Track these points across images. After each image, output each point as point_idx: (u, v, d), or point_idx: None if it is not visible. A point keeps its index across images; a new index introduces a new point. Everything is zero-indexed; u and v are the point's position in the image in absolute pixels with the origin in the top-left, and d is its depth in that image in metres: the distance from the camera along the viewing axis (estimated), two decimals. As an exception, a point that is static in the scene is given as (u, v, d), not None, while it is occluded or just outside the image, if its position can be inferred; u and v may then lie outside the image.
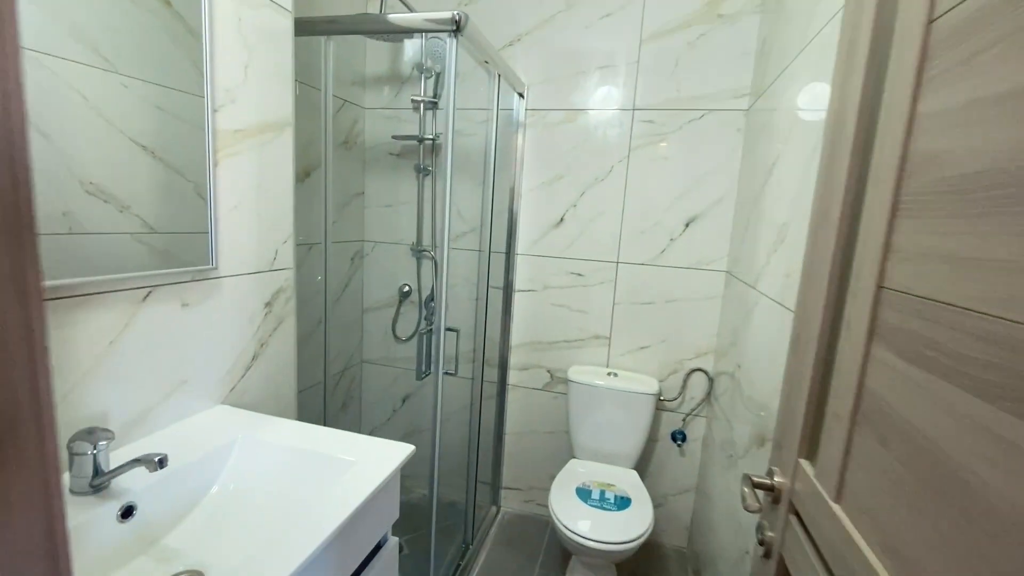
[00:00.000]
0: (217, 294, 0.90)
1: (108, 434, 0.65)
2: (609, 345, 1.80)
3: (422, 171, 1.85)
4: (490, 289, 1.85)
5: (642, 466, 1.83)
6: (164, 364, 0.82)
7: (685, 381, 1.74)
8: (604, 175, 1.72)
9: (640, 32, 1.64)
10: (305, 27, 1.22)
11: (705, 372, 1.71)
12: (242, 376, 0.98)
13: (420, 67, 1.80)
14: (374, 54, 1.89)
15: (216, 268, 0.89)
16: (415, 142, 1.85)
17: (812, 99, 0.99)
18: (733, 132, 1.60)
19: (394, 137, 1.85)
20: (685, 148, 1.64)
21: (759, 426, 1.10)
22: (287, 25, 1.00)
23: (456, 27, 1.13)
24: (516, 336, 1.89)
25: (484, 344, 1.85)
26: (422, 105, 1.79)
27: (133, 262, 0.75)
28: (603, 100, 1.69)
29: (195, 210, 0.84)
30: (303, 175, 1.63)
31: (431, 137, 1.83)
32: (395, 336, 2.00)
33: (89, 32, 0.67)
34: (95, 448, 0.65)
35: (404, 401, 2.10)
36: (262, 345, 1.03)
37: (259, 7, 0.93)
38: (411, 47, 1.82)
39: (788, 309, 0.97)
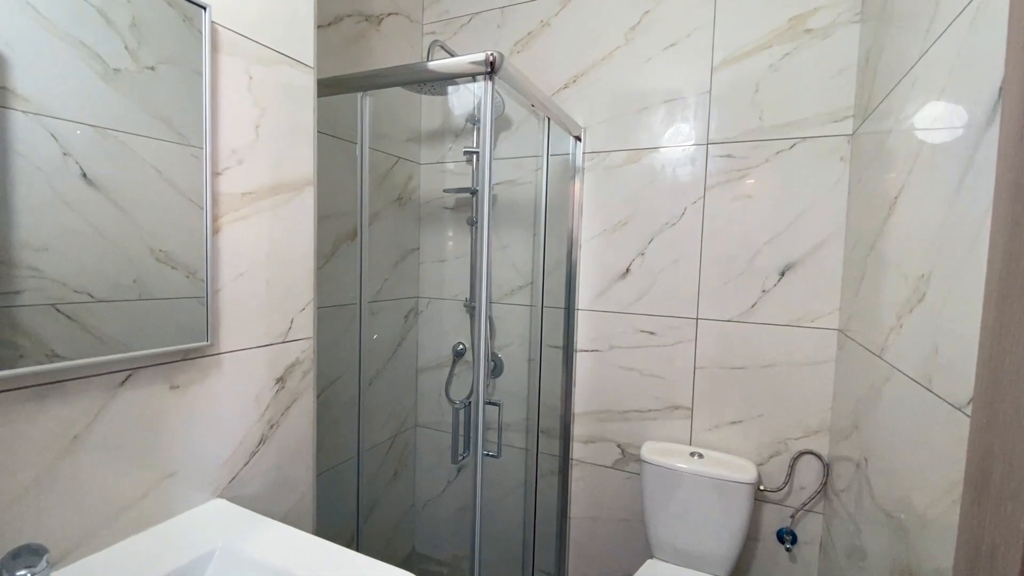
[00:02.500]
0: (215, 373, 0.81)
1: (36, 559, 0.54)
2: (691, 418, 1.51)
3: (475, 224, 1.74)
4: (548, 348, 1.67)
5: (740, 573, 1.48)
6: (146, 456, 0.73)
7: (792, 466, 1.40)
8: (676, 219, 1.50)
9: (711, 59, 1.45)
10: (338, 85, 1.18)
11: (818, 456, 1.36)
12: (245, 463, 0.87)
13: (472, 118, 1.73)
14: (429, 109, 1.87)
15: (214, 344, 0.80)
16: (468, 194, 1.76)
17: (944, 115, 0.73)
18: (835, 161, 1.32)
19: (445, 191, 1.77)
20: (774, 183, 1.39)
21: (902, 553, 0.79)
22: (307, 82, 0.94)
23: (491, 68, 1.02)
24: (579, 403, 1.66)
25: (539, 411, 1.65)
26: (475, 157, 1.70)
27: (112, 341, 0.67)
28: (671, 136, 1.50)
29: (191, 283, 0.76)
30: (352, 234, 1.58)
31: (485, 188, 1.73)
32: (448, 399, 1.85)
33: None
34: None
35: (460, 471, 1.92)
36: (272, 426, 0.91)
37: (273, 64, 0.87)
38: (463, 98, 1.77)
39: (942, 399, 0.68)
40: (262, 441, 0.90)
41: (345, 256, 1.52)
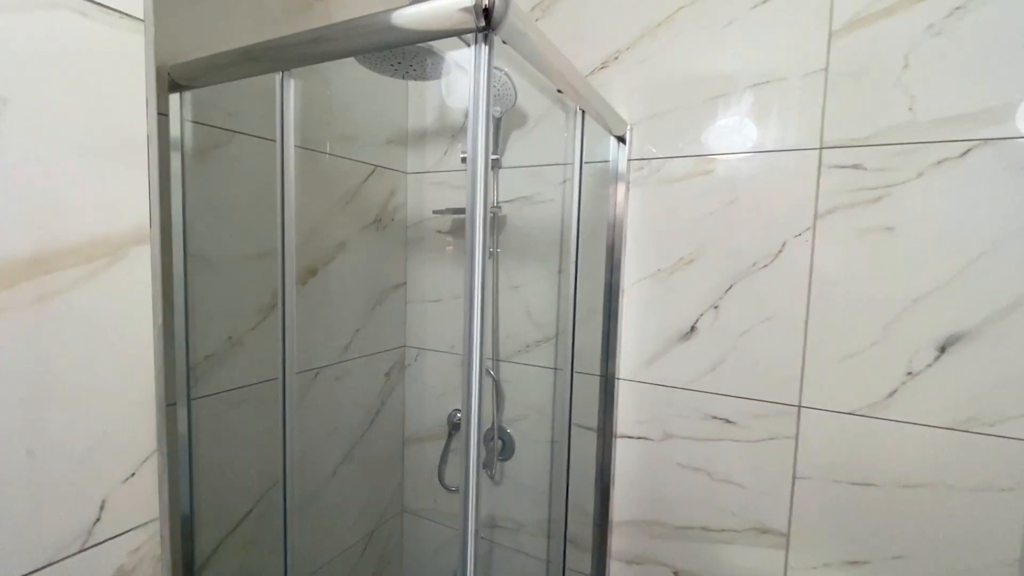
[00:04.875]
0: None
1: None
2: (787, 548, 1.04)
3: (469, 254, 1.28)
4: (577, 429, 1.21)
5: None
6: None
7: (951, 641, 0.92)
8: (769, 258, 1.02)
9: (829, 20, 0.96)
10: (250, 60, 0.72)
11: (998, 633, 0.89)
12: None
13: (474, 111, 1.26)
14: (418, 99, 1.41)
15: None
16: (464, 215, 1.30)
17: None
18: (1044, 177, 0.83)
19: (435, 212, 1.31)
20: (931, 209, 0.90)
21: None
22: (127, 46, 0.48)
23: (485, 21, 0.55)
24: (620, 507, 1.20)
25: (566, 512, 1.19)
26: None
27: None
28: (761, 137, 1.02)
29: None
30: (307, 275, 1.14)
31: (492, 208, 1.27)
32: (442, 484, 1.41)
33: None
34: None
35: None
36: None
37: (26, 6, 0.42)
38: (462, 83, 1.30)
39: None
40: None
41: (295, 306, 1.07)
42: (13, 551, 0.43)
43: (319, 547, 1.26)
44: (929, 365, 0.91)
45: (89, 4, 0.45)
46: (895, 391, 0.94)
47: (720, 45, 1.04)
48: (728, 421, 1.07)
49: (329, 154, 1.18)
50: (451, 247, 1.39)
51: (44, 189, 0.43)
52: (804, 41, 0.98)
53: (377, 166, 1.31)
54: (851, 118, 0.95)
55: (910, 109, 0.91)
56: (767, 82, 1.01)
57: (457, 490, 1.42)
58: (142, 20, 0.50)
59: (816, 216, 0.98)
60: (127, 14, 0.48)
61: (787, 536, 1.04)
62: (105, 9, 0.46)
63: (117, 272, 0.48)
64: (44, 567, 0.45)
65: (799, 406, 1.01)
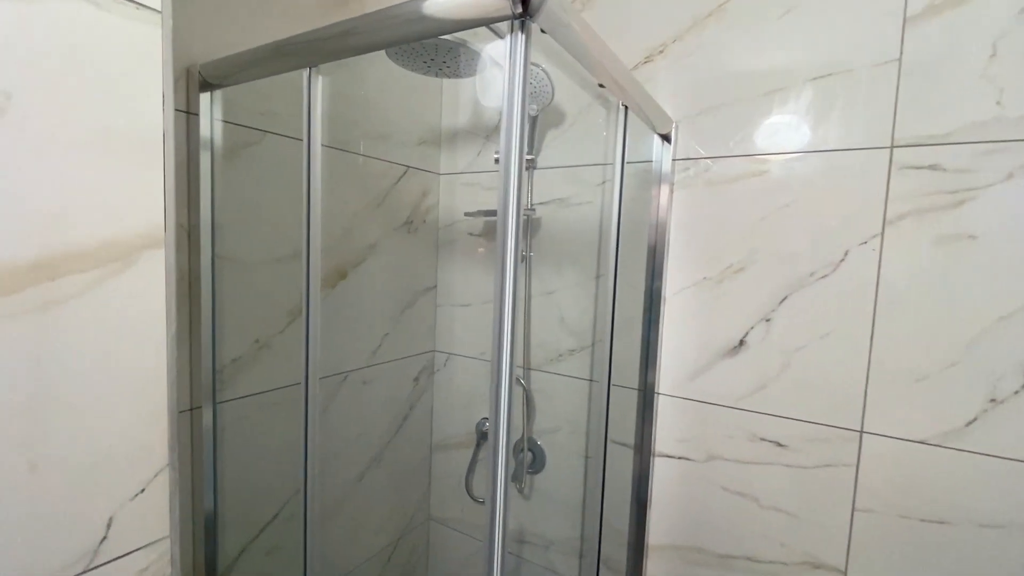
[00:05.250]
0: None
1: None
2: (843, 586, 0.95)
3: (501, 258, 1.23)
4: (613, 445, 1.14)
5: None
6: None
7: None
8: (829, 268, 0.93)
9: (903, 5, 0.86)
10: (281, 56, 0.70)
11: None
12: None
13: (509, 109, 1.22)
14: (451, 98, 1.37)
15: None
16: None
17: None
18: None
19: (467, 214, 1.26)
20: (1020, 216, 0.80)
21: None
22: (142, 38, 0.46)
23: (523, 7, 0.50)
24: (657, 530, 1.13)
25: (601, 532, 1.12)
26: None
27: None
28: (822, 135, 0.93)
29: None
30: (337, 277, 1.11)
31: (526, 210, 1.22)
32: (469, 494, 1.36)
33: None
34: None
35: (485, 588, 1.43)
36: None
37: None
38: (496, 81, 1.26)
39: None
40: None
41: (320, 309, 1.05)
42: (12, 571, 0.41)
43: (344, 553, 1.24)
44: (1016, 392, 0.81)
45: (96, -10, 0.42)
46: (974, 419, 0.83)
47: (776, 36, 0.95)
48: (779, 444, 0.98)
49: (362, 155, 1.15)
50: (483, 250, 1.35)
51: (49, 190, 0.41)
52: (874, 29, 0.88)
53: (409, 167, 1.28)
54: (928, 113, 0.85)
55: (998, 103, 0.80)
56: (830, 74, 0.92)
57: (484, 501, 1.37)
58: (159, 12, 0.47)
59: (885, 222, 0.88)
60: (144, 5, 0.45)
61: (844, 573, 0.94)
62: (123, 2, 0.44)
63: (127, 278, 0.46)
64: (47, 589, 0.43)
65: (861, 431, 0.92)
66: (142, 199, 0.46)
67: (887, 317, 0.89)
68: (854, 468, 0.93)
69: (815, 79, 0.93)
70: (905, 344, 0.88)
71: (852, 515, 0.93)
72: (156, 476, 0.50)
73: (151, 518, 0.49)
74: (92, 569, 0.46)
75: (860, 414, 0.91)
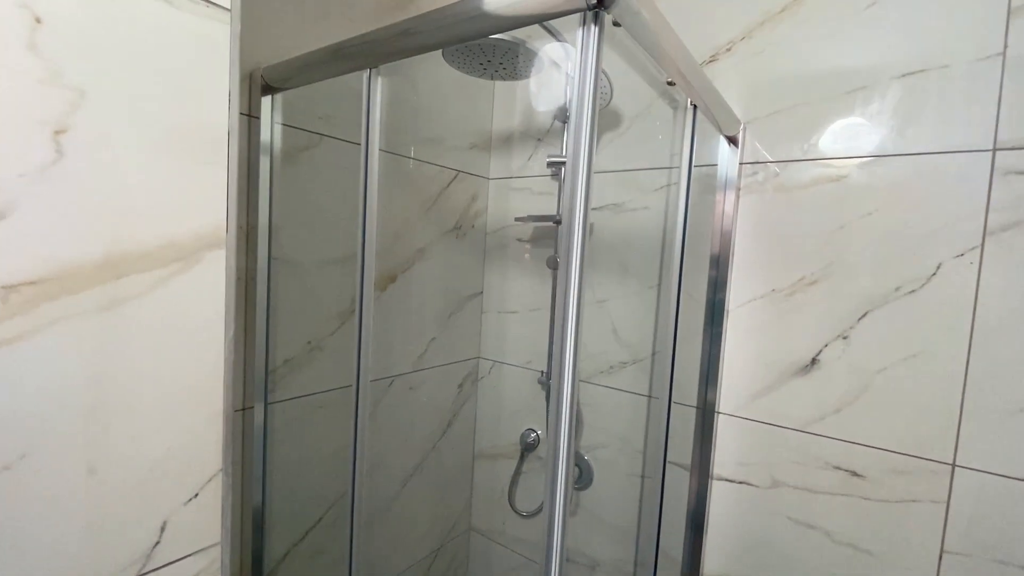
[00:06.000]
0: None
1: None
2: (930, 637, 0.85)
3: (558, 266, 1.19)
4: (670, 467, 1.08)
5: None
6: None
7: None
8: (918, 282, 0.84)
9: (1010, -8, 0.78)
10: (341, 58, 0.69)
11: None
12: None
13: (563, 113, 1.19)
14: (504, 101, 1.35)
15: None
16: (551, 223, 1.22)
17: None
18: None
19: (517, 219, 1.24)
20: None
21: None
22: (212, 38, 0.45)
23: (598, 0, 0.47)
24: (713, 559, 1.05)
25: (656, 557, 1.06)
26: (563, 169, 1.16)
27: None
28: (912, 137, 0.85)
29: None
30: (387, 281, 1.11)
31: (577, 214, 1.18)
32: (512, 506, 1.33)
33: None
34: None
35: (527, 607, 1.39)
36: None
37: (113, -10, 0.39)
38: (552, 83, 1.23)
39: None
40: None
41: (372, 312, 1.05)
42: (71, 572, 0.40)
43: (386, 560, 1.23)
44: None
45: (170, -12, 0.42)
46: (1097, 459, 0.73)
47: (859, 30, 0.88)
48: (856, 474, 0.90)
49: (414, 159, 1.15)
50: (529, 255, 1.32)
51: (118, 188, 0.40)
52: (973, 20, 0.80)
53: (460, 171, 1.27)
54: (1040, 112, 0.76)
55: None
56: (922, 71, 0.84)
57: (528, 515, 1.33)
58: (228, 10, 0.46)
59: (985, 233, 0.79)
60: (214, 3, 0.45)
61: (931, 623, 0.85)
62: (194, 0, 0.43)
63: (189, 279, 0.45)
64: (103, 592, 0.42)
65: (953, 464, 0.82)
66: (205, 199, 0.46)
67: (986, 337, 0.80)
68: (944, 505, 0.83)
69: (904, 76, 0.85)
70: (1006, 369, 0.78)
71: (940, 558, 0.84)
72: (210, 481, 0.49)
73: (203, 523, 0.48)
74: (144, 574, 0.45)
75: (952, 445, 0.82)
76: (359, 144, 0.81)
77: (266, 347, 0.89)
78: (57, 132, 0.37)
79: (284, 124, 0.88)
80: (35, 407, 0.38)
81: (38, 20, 0.36)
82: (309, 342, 0.98)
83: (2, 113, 0.35)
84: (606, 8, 0.48)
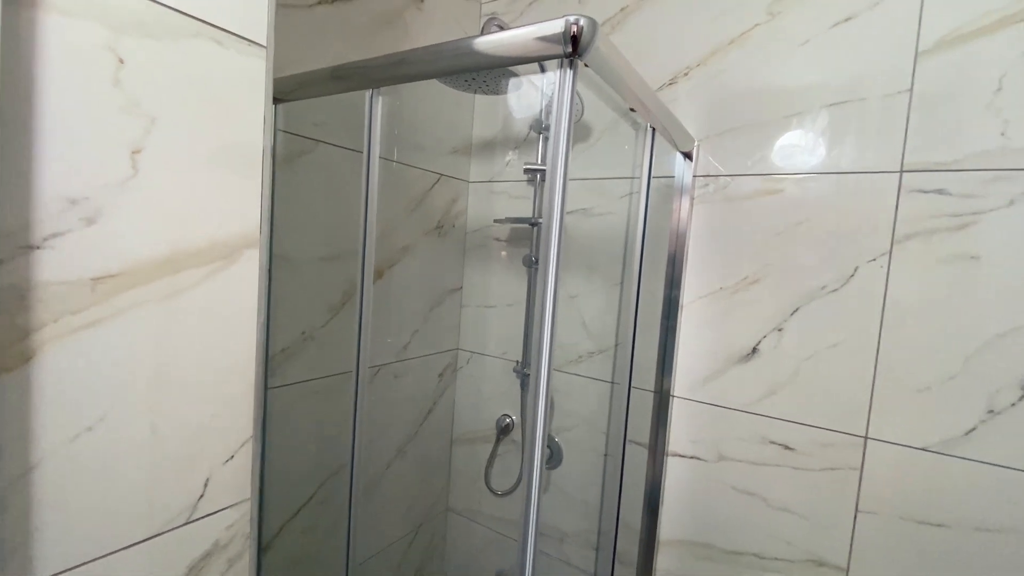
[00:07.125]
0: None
1: None
2: (845, 583, 1.00)
3: (533, 264, 1.31)
4: (629, 444, 1.20)
5: None
6: None
7: None
8: (839, 282, 0.99)
9: (916, 38, 0.93)
10: (347, 77, 0.78)
11: None
12: None
13: (539, 124, 1.29)
14: (484, 112, 1.45)
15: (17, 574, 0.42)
16: (527, 225, 1.33)
17: None
18: None
19: (496, 221, 1.34)
20: (1021, 239, 0.85)
21: None
22: (252, 71, 0.54)
23: (572, 48, 0.58)
24: (668, 526, 1.19)
25: (617, 527, 1.19)
26: (538, 176, 1.26)
27: None
28: (836, 158, 0.99)
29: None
30: (376, 277, 1.19)
31: (550, 217, 1.29)
32: (488, 487, 1.43)
33: None
34: None
35: (500, 579, 1.50)
36: None
37: (177, 38, 0.47)
38: (527, 97, 1.33)
39: None
40: None
41: (370, 306, 1.13)
42: (136, 517, 0.49)
43: (369, 538, 1.32)
44: (1013, 404, 0.86)
45: (224, 34, 0.50)
46: (973, 429, 0.89)
47: (796, 64, 1.02)
48: (788, 447, 1.04)
49: (403, 164, 1.23)
50: (506, 254, 1.42)
51: (180, 197, 0.49)
52: (887, 61, 0.95)
53: (442, 175, 1.36)
54: (936, 141, 0.91)
55: (1003, 134, 0.86)
56: (846, 101, 0.98)
57: (502, 494, 1.44)
58: (264, 47, 0.55)
59: (893, 241, 0.94)
60: (254, 42, 0.53)
61: (846, 571, 1.00)
62: (236, 38, 0.52)
63: (231, 273, 0.54)
64: (159, 534, 0.50)
65: (866, 437, 0.97)
66: (244, 206, 0.54)
67: (893, 330, 0.95)
68: (858, 472, 0.98)
69: (831, 105, 0.99)
70: (909, 356, 0.94)
71: (855, 516, 0.99)
72: (243, 445, 0.57)
73: (238, 481, 0.57)
74: (192, 522, 0.53)
75: (865, 421, 0.97)
76: (352, 149, 0.89)
77: (267, 337, 0.97)
78: (134, 152, 0.45)
79: (284, 131, 0.96)
80: (111, 378, 0.46)
81: (121, 60, 0.44)
82: (303, 333, 1.06)
83: (93, 136, 0.43)
84: (580, 56, 0.59)
